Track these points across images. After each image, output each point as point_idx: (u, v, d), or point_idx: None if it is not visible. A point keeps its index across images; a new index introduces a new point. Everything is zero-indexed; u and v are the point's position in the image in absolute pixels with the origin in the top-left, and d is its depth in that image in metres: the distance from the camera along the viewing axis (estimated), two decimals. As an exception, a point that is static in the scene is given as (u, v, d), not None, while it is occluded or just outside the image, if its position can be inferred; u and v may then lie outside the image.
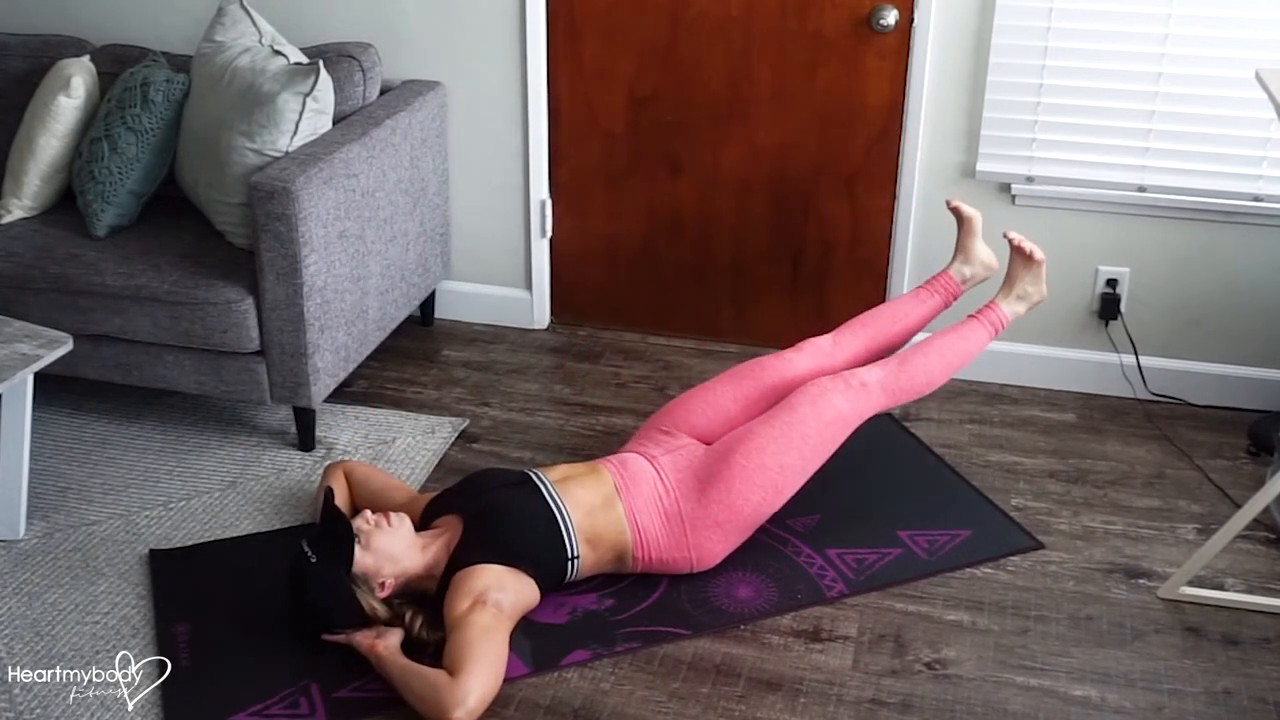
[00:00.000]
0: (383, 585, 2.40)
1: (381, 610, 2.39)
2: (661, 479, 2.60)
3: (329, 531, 2.41)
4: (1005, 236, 2.88)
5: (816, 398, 2.65)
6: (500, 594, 2.36)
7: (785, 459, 2.59)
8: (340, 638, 2.38)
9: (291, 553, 2.41)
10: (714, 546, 2.60)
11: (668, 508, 2.57)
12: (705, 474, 2.58)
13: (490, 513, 2.50)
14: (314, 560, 2.36)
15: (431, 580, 2.45)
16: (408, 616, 2.40)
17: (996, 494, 2.96)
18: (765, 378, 2.79)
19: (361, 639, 2.36)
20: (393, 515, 2.47)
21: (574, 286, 3.81)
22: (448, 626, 2.32)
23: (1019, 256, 2.85)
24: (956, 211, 2.96)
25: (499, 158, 3.64)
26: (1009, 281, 2.87)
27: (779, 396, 2.75)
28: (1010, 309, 2.85)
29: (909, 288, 3.48)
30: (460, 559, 2.42)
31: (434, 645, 2.35)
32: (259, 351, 3.00)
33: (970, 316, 2.85)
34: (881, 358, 2.85)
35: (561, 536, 2.49)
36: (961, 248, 2.96)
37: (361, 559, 2.38)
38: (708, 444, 2.70)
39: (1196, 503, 2.95)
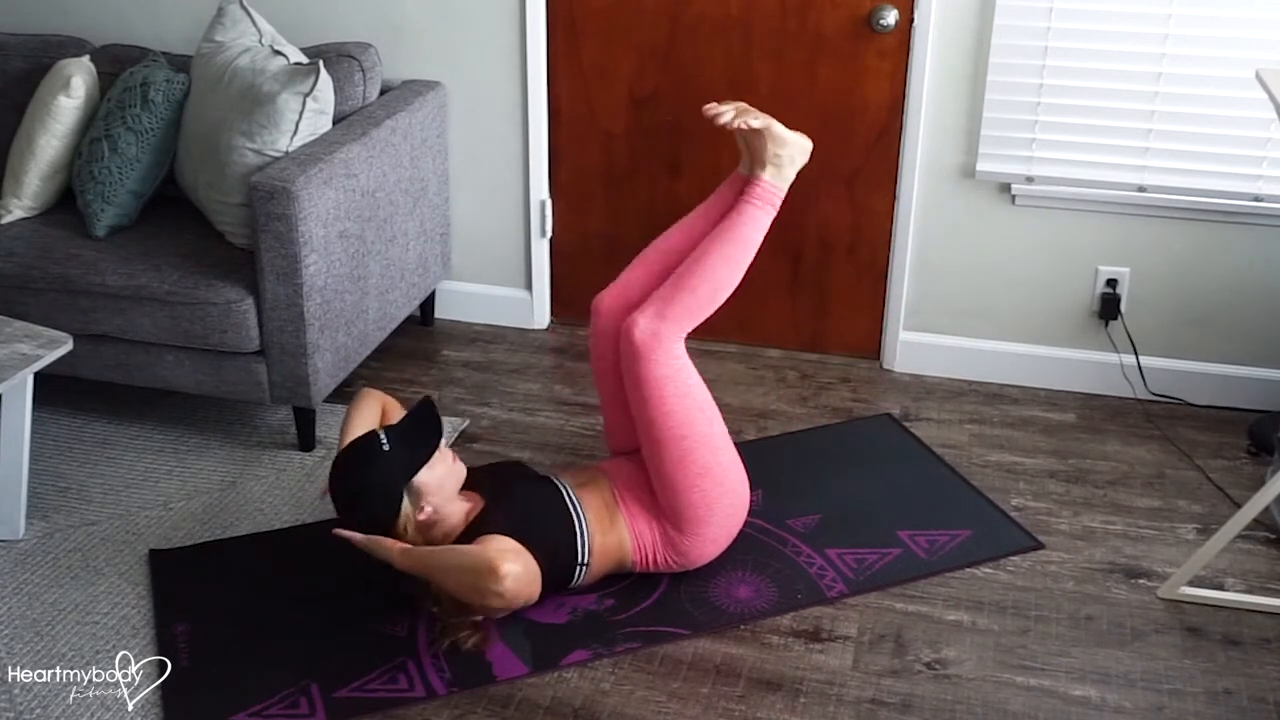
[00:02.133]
0: (422, 509, 2.40)
1: (410, 532, 2.38)
2: (646, 488, 2.60)
3: (415, 432, 2.42)
4: (706, 113, 2.58)
5: (635, 389, 2.53)
6: (519, 555, 2.36)
7: (676, 451, 2.51)
8: (360, 538, 2.36)
9: (364, 437, 2.42)
10: (704, 549, 2.60)
11: (654, 519, 2.57)
12: (657, 494, 2.58)
13: (512, 500, 2.51)
14: (386, 448, 2.37)
15: (446, 541, 2.45)
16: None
17: (996, 494, 2.96)
18: (605, 370, 2.69)
19: (384, 540, 2.35)
20: (456, 457, 2.49)
21: (574, 287, 3.80)
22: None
23: (742, 135, 2.63)
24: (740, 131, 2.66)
25: (499, 158, 3.65)
26: (756, 159, 2.63)
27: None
28: (774, 179, 2.61)
29: (909, 287, 3.48)
30: (478, 530, 2.42)
31: (443, 613, 2.38)
32: (259, 351, 3.00)
33: (741, 199, 2.62)
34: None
35: (577, 543, 2.50)
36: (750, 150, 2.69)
37: (425, 473, 2.39)
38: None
39: (1196, 503, 2.95)
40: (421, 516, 2.40)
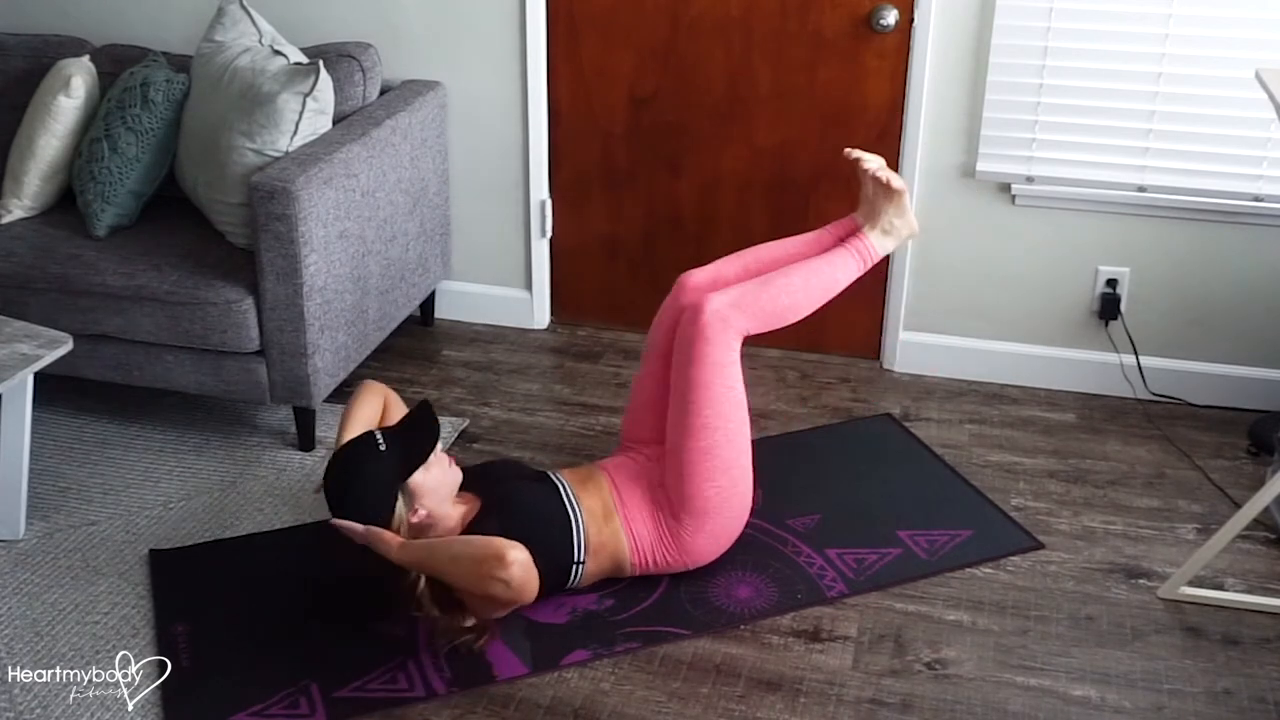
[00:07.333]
0: (416, 511, 2.41)
1: (404, 534, 2.39)
2: (649, 484, 2.61)
3: (412, 434, 2.42)
4: (848, 155, 2.65)
5: (686, 366, 2.56)
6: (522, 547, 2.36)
7: (704, 441, 2.53)
8: (360, 529, 2.36)
9: (362, 437, 2.42)
10: (704, 545, 2.60)
11: (656, 513, 2.58)
12: (668, 480, 2.58)
13: (509, 500, 2.51)
14: (382, 449, 2.38)
15: None
16: (419, 580, 2.39)
17: (996, 494, 2.96)
18: (665, 345, 2.70)
19: (383, 533, 2.36)
20: (454, 461, 2.50)
21: (574, 286, 3.81)
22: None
23: (876, 186, 2.66)
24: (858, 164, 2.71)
25: (499, 158, 3.65)
26: (872, 214, 2.69)
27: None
28: (879, 243, 2.68)
29: (909, 287, 3.48)
30: (475, 533, 2.42)
31: (425, 617, 2.36)
32: (259, 351, 3.00)
33: (839, 245, 2.69)
34: None
35: (572, 540, 2.50)
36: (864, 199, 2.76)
37: (420, 475, 2.40)
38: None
39: (1196, 503, 2.95)
40: (415, 519, 2.41)
